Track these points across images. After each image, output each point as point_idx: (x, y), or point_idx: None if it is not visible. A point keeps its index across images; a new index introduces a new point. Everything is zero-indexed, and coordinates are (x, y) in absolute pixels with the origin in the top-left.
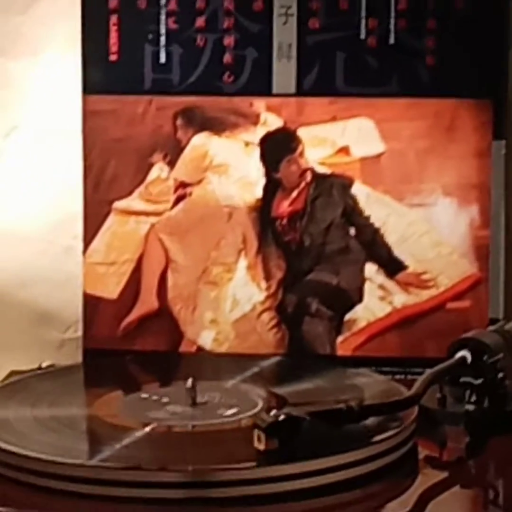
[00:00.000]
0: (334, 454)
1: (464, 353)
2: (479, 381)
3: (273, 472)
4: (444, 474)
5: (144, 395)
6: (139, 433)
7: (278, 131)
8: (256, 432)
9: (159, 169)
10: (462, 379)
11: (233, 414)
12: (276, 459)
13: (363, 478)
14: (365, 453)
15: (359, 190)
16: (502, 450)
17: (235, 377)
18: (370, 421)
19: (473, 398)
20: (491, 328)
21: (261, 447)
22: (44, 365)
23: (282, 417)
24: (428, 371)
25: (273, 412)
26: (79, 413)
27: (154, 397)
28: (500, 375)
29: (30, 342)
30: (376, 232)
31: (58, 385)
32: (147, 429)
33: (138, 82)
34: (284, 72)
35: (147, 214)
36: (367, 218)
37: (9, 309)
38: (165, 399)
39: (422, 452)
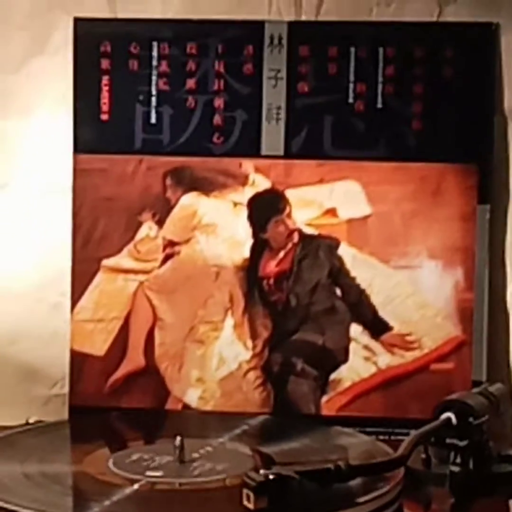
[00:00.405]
0: None
1: (449, 414)
2: (464, 442)
3: None
4: None
5: (132, 452)
6: (127, 490)
7: (266, 192)
8: (245, 491)
9: (148, 228)
10: (448, 441)
11: (221, 473)
12: None
13: None
14: None
15: (345, 251)
16: None
17: (222, 435)
18: (357, 481)
19: (458, 460)
20: (475, 390)
21: (251, 506)
22: (31, 420)
23: (271, 476)
24: (414, 433)
25: (262, 471)
26: (68, 470)
27: (142, 455)
28: (485, 436)
29: (16, 398)
30: (361, 293)
31: (46, 441)
32: (136, 486)
33: (129, 142)
34: (273, 134)
35: (135, 272)
36: (353, 279)
37: None
38: (152, 457)
39: None
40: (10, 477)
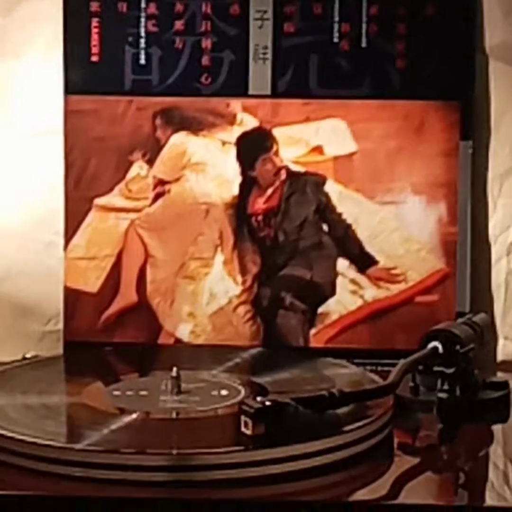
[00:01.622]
0: (318, 439)
1: (435, 343)
2: (451, 370)
3: (261, 455)
4: (417, 460)
5: (128, 384)
6: (125, 419)
7: (254, 131)
8: (243, 418)
9: (138, 167)
10: (435, 369)
11: (217, 402)
12: (264, 443)
13: (343, 462)
14: (346, 438)
15: (331, 188)
16: (473, 437)
17: (215, 367)
18: (350, 408)
19: (445, 387)
20: (460, 320)
21: (249, 432)
22: (28, 355)
23: (268, 403)
24: (402, 361)
25: (259, 398)
26: (67, 401)
27: (138, 386)
28: (471, 365)
29: (12, 335)
30: (348, 228)
31: (44, 375)
32: (133, 415)
33: (119, 83)
34: (259, 74)
35: (127, 210)
36: (340, 215)
37: None
38: (148, 388)
39: (397, 438)
40: (13, 409)
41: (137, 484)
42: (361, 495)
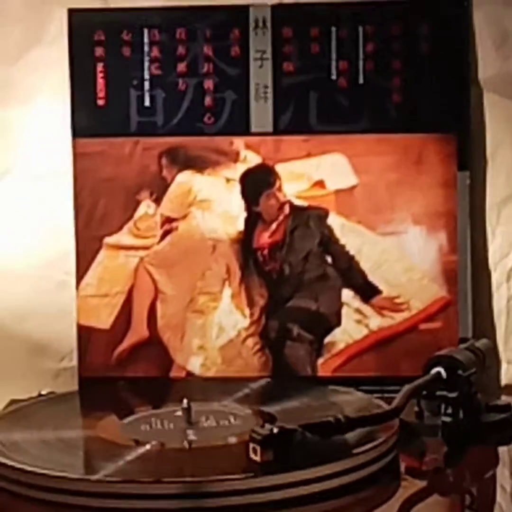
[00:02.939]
0: (326, 463)
1: (439, 369)
2: (454, 394)
3: (271, 481)
4: (424, 483)
5: (141, 417)
6: (140, 450)
7: (257, 168)
8: (251, 445)
9: (146, 206)
10: (438, 393)
11: (227, 432)
12: (273, 469)
13: (352, 486)
14: (353, 463)
15: (334, 220)
16: (477, 459)
17: (226, 398)
18: (356, 433)
19: (449, 411)
20: (462, 346)
21: (257, 459)
22: (43, 392)
23: (276, 430)
24: (407, 386)
25: (267, 425)
26: (82, 435)
27: (151, 419)
28: (473, 388)
29: (27, 373)
30: (351, 259)
31: (59, 410)
32: (147, 446)
33: (125, 125)
34: (261, 112)
35: (136, 248)
36: (343, 246)
37: (7, 342)
38: (161, 420)
39: (403, 463)
40: (30, 444)
41: None
42: None
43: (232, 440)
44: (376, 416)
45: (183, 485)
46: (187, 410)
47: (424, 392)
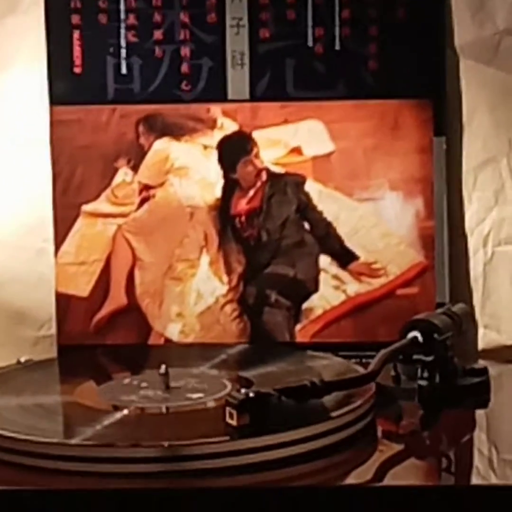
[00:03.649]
0: (301, 427)
1: (415, 333)
2: (430, 358)
3: (246, 444)
4: (400, 446)
5: (120, 383)
6: (117, 415)
7: (234, 135)
8: (228, 409)
9: (123, 174)
10: (415, 357)
11: (205, 396)
12: (249, 433)
13: (328, 449)
14: (329, 426)
15: (311, 187)
16: (453, 422)
17: (204, 364)
18: (332, 397)
19: (425, 375)
20: (439, 310)
21: (234, 423)
22: (22, 360)
23: (251, 394)
24: (383, 351)
25: (243, 390)
26: (60, 400)
27: (129, 384)
28: (450, 352)
29: (6, 341)
30: (328, 226)
31: (38, 377)
32: (125, 411)
33: (102, 93)
34: (238, 79)
35: (113, 216)
36: (320, 213)
37: None
38: (139, 385)
39: (380, 426)
40: (7, 409)
41: (130, 475)
42: (346, 480)
43: (209, 404)
44: (352, 380)
45: (161, 449)
46: (165, 375)
47: (401, 356)
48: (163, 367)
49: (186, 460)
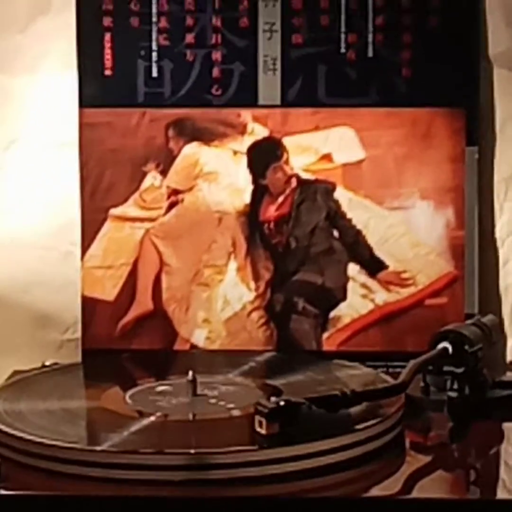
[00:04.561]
0: (331, 437)
1: (445, 344)
2: (461, 369)
3: (275, 454)
4: (428, 458)
5: (146, 389)
6: (144, 422)
7: (264, 140)
8: (257, 418)
9: (152, 178)
10: (445, 369)
11: (232, 404)
12: (278, 442)
13: (356, 460)
14: (359, 437)
15: (341, 194)
16: (482, 435)
17: (231, 371)
18: (362, 407)
19: (455, 386)
20: (469, 321)
21: (263, 431)
22: (47, 363)
23: (282, 403)
24: (413, 361)
25: (273, 398)
26: (87, 406)
27: (155, 391)
28: (480, 364)
29: (31, 344)
30: (358, 234)
31: (63, 381)
32: (152, 418)
33: (132, 96)
34: (269, 85)
35: (141, 220)
36: (350, 221)
37: (11, 313)
38: (165, 392)
39: (408, 438)
40: (35, 414)
41: (155, 483)
42: (374, 491)
43: (237, 412)
44: (383, 391)
45: (188, 457)
46: (192, 382)
47: (430, 367)
48: (190, 373)
49: (212, 468)
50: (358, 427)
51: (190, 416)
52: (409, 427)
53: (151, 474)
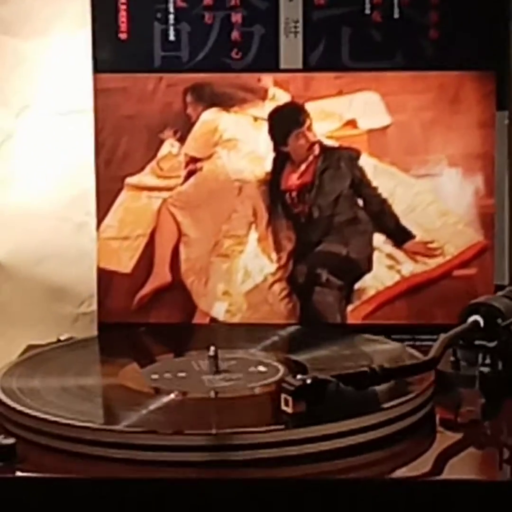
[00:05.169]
0: (360, 416)
1: (476, 317)
2: (493, 344)
3: (302, 434)
4: (459, 435)
5: (165, 364)
6: (164, 399)
7: (286, 106)
8: (283, 396)
9: (169, 145)
10: (476, 343)
11: (256, 381)
12: (306, 421)
13: (386, 439)
14: (388, 415)
15: (366, 162)
16: None
17: (254, 346)
18: (391, 384)
19: (487, 361)
20: (500, 293)
21: (289, 410)
22: (62, 338)
23: (308, 380)
24: (443, 335)
25: (300, 376)
26: (104, 383)
27: (175, 366)
28: None
29: (45, 317)
30: (383, 202)
31: (79, 357)
32: (172, 395)
33: (148, 60)
34: (291, 48)
35: (159, 189)
36: (375, 189)
37: (24, 285)
38: (186, 368)
39: (439, 415)
40: (50, 391)
41: (176, 464)
42: (403, 472)
43: (260, 390)
44: (413, 367)
45: (209, 437)
46: (214, 358)
47: (461, 342)
48: (212, 349)
49: (235, 449)
50: (387, 405)
51: (212, 394)
52: (439, 403)
53: (171, 455)
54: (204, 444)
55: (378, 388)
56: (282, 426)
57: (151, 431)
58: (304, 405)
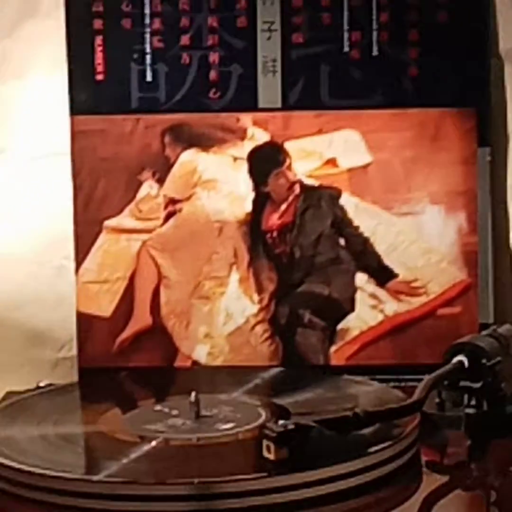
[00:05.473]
0: (343, 462)
1: (461, 358)
2: (478, 384)
3: (284, 481)
4: (446, 478)
5: (146, 410)
6: (145, 447)
7: (265, 145)
8: (265, 442)
9: (148, 187)
10: (462, 383)
11: (238, 426)
12: (287, 468)
13: (371, 484)
14: (373, 460)
15: (347, 201)
16: (502, 453)
17: (236, 389)
18: (375, 428)
19: (473, 402)
20: (485, 332)
21: (272, 457)
22: (42, 384)
23: (290, 426)
24: (427, 377)
25: (281, 422)
26: (83, 431)
27: (156, 412)
28: (498, 378)
29: (24, 363)
30: (365, 241)
31: (59, 403)
32: (153, 443)
33: (125, 101)
34: (269, 87)
35: (138, 231)
36: (357, 228)
37: (3, 330)
38: (167, 414)
39: (424, 457)
40: (28, 440)
41: None
42: None
43: (243, 436)
44: (397, 410)
45: (191, 487)
46: (195, 404)
47: (446, 382)
48: (193, 395)
49: (218, 498)
50: (371, 450)
51: (194, 441)
52: (425, 445)
53: (153, 505)
54: (185, 493)
55: (362, 431)
56: (263, 474)
57: (131, 482)
58: (286, 451)
